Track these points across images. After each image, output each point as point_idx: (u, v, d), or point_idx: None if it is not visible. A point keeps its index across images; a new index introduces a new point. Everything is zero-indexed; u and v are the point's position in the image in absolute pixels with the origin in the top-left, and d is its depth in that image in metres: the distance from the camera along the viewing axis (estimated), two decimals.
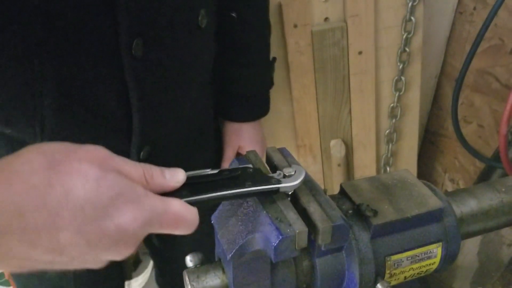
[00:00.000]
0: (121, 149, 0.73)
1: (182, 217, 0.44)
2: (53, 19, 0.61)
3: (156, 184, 0.44)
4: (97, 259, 0.42)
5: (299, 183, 0.51)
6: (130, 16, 0.65)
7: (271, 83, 1.06)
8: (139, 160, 0.77)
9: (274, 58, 1.06)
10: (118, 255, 0.42)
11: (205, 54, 0.85)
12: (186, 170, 0.48)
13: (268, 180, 0.50)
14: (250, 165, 0.53)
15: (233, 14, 0.91)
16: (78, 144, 0.42)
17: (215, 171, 0.50)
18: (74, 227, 0.38)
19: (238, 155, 1.05)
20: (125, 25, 0.65)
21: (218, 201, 0.49)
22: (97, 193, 0.39)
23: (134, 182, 0.42)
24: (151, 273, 1.82)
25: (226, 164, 1.02)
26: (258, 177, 0.51)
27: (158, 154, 0.80)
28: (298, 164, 0.54)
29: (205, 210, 0.48)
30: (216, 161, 1.04)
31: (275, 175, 0.52)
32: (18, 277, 0.96)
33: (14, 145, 0.74)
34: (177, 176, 0.46)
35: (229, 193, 0.48)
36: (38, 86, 0.66)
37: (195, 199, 0.46)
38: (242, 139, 1.03)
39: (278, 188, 0.50)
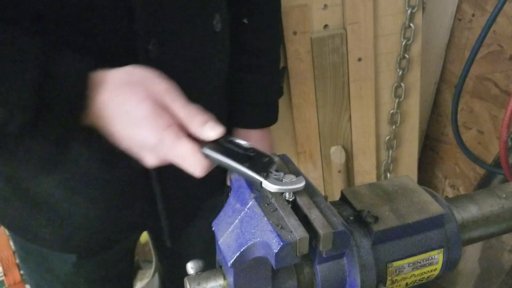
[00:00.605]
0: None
1: (185, 161, 0.54)
2: (70, 20, 0.61)
3: (191, 128, 0.55)
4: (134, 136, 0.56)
5: (282, 188, 0.51)
6: (146, 18, 0.66)
7: (281, 92, 1.07)
8: None
9: (284, 68, 1.06)
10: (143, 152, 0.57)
11: (220, 58, 0.86)
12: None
13: (261, 172, 0.51)
14: (277, 158, 0.55)
15: (245, 21, 0.92)
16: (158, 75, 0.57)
17: (248, 146, 0.54)
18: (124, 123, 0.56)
19: None
20: (141, 26, 0.66)
21: (222, 165, 0.54)
22: (139, 114, 0.55)
23: (175, 120, 0.54)
24: (150, 280, 1.82)
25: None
26: (260, 163, 0.53)
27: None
28: (301, 174, 0.54)
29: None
30: None
31: (276, 172, 0.52)
32: (31, 275, 0.97)
33: None
34: (211, 133, 0.54)
35: (229, 164, 0.53)
36: None
37: (208, 154, 0.53)
38: None
39: (261, 182, 0.51)
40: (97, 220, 0.80)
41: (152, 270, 1.82)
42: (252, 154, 0.54)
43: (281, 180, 0.52)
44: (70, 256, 0.88)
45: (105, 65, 0.68)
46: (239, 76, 0.96)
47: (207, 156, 0.54)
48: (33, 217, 0.79)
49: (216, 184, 1.00)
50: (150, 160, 0.58)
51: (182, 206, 0.89)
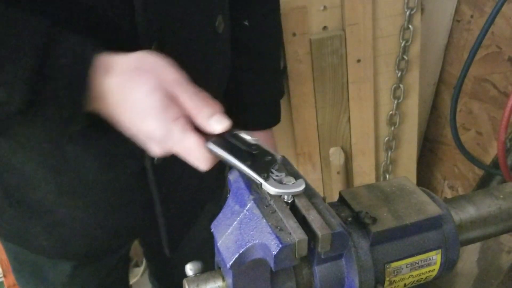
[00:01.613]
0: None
1: (190, 154, 0.55)
2: (71, 23, 0.61)
3: (198, 120, 0.55)
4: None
5: (280, 191, 0.51)
6: (148, 20, 0.65)
7: (282, 92, 1.07)
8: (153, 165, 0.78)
9: (285, 67, 1.06)
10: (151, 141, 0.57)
11: (221, 59, 0.85)
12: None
13: (262, 173, 0.52)
14: (280, 157, 0.55)
15: (245, 23, 0.92)
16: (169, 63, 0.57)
17: (253, 142, 0.55)
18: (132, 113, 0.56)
19: None
20: (143, 29, 0.65)
21: (224, 161, 0.55)
22: (148, 105, 0.54)
23: (182, 109, 0.54)
24: (141, 275, 1.82)
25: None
26: (262, 164, 0.53)
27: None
28: (302, 177, 0.54)
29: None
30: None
31: (277, 172, 0.52)
32: (25, 287, 0.96)
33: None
34: (217, 127, 0.55)
35: (232, 161, 0.53)
36: None
37: (211, 148, 0.54)
38: None
39: (261, 183, 0.51)
40: (94, 226, 0.79)
41: (141, 269, 1.83)
42: (255, 151, 0.54)
43: (282, 182, 0.52)
44: (65, 265, 0.87)
45: None
46: (241, 78, 0.96)
47: (211, 151, 0.54)
48: (29, 224, 0.78)
49: (214, 189, 1.00)
50: (156, 150, 0.58)
51: (181, 213, 0.88)
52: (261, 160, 0.53)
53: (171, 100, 0.55)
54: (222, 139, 0.54)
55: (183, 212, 0.89)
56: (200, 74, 0.79)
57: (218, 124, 0.55)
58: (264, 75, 0.99)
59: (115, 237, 0.85)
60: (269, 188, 0.51)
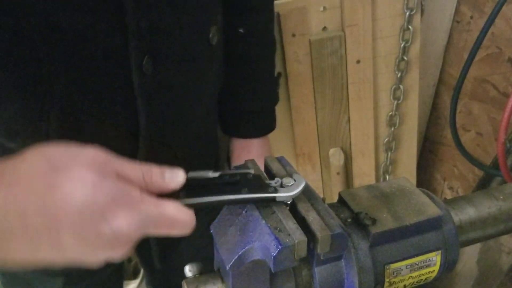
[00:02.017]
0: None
1: (176, 220, 0.46)
2: (63, 35, 0.61)
3: (155, 185, 0.46)
4: (95, 258, 0.44)
5: (296, 193, 0.51)
6: (140, 35, 0.65)
7: (277, 98, 1.07)
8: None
9: (279, 74, 1.07)
10: (115, 255, 0.44)
11: (215, 71, 0.85)
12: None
13: (266, 189, 0.51)
14: (251, 171, 0.54)
15: (241, 30, 0.92)
16: (80, 146, 0.44)
17: (216, 174, 0.50)
18: (72, 229, 0.40)
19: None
20: (135, 43, 0.65)
21: (214, 205, 0.50)
22: (94, 198, 0.41)
23: (132, 185, 0.44)
24: (140, 280, 1.82)
25: None
26: (256, 184, 0.51)
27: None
28: (297, 173, 0.55)
29: (201, 211, 0.50)
30: (215, 166, 1.05)
31: (272, 182, 0.52)
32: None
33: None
34: (176, 178, 0.47)
35: (226, 199, 0.49)
36: (46, 101, 0.66)
37: (192, 202, 0.48)
38: (251, 155, 1.03)
39: (275, 197, 0.50)
40: None
41: (140, 276, 1.82)
42: (231, 179, 0.51)
43: (286, 185, 0.52)
44: (56, 281, 0.86)
45: (100, 81, 0.66)
46: (236, 85, 0.96)
47: (190, 206, 0.48)
48: None
49: None
50: (120, 252, 0.44)
51: None
52: (250, 180, 0.51)
53: (120, 180, 0.44)
54: (191, 191, 0.49)
55: None
56: (193, 86, 0.79)
57: (175, 176, 0.47)
58: (259, 83, 0.99)
59: None
60: (285, 196, 0.51)
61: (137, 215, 0.43)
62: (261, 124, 1.04)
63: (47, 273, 0.84)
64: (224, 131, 1.04)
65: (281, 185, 0.52)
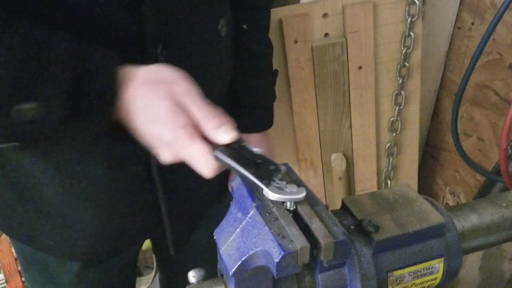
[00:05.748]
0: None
1: (195, 161, 0.57)
2: (79, 26, 0.62)
3: (207, 127, 0.57)
4: (159, 148, 0.60)
5: (280, 197, 0.51)
6: (156, 23, 0.67)
7: (275, 95, 1.08)
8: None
9: (276, 71, 1.08)
10: (163, 157, 0.61)
11: (224, 62, 0.87)
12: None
13: (264, 179, 0.52)
14: (284, 167, 0.56)
15: (244, 26, 0.93)
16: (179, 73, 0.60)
17: (258, 152, 0.56)
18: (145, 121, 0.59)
19: None
20: (150, 32, 0.67)
21: (231, 169, 0.55)
22: (158, 111, 0.57)
23: (192, 119, 0.57)
24: (150, 285, 1.82)
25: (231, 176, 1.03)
26: (266, 172, 0.54)
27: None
28: (302, 183, 0.55)
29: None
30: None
31: (277, 180, 0.53)
32: (33, 284, 0.96)
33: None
34: (227, 136, 0.56)
35: (237, 169, 0.54)
36: None
37: (220, 157, 0.55)
38: None
39: (262, 188, 0.52)
40: (102, 227, 0.80)
41: (152, 275, 1.82)
42: (259, 161, 0.55)
43: (283, 189, 0.52)
44: (73, 265, 0.87)
45: None
46: (238, 80, 0.97)
47: (217, 159, 0.55)
48: (38, 224, 0.79)
49: (218, 191, 1.01)
50: (166, 156, 0.60)
51: (185, 213, 0.89)
52: (264, 169, 0.54)
53: (181, 108, 0.57)
54: (228, 149, 0.56)
55: (187, 212, 0.90)
56: (204, 76, 0.80)
57: (225, 134, 0.56)
58: (260, 78, 1.01)
59: (121, 238, 0.86)
60: (270, 194, 0.51)
61: (172, 131, 0.57)
62: (260, 119, 1.04)
63: (65, 257, 0.86)
64: None
65: (282, 188, 0.52)
